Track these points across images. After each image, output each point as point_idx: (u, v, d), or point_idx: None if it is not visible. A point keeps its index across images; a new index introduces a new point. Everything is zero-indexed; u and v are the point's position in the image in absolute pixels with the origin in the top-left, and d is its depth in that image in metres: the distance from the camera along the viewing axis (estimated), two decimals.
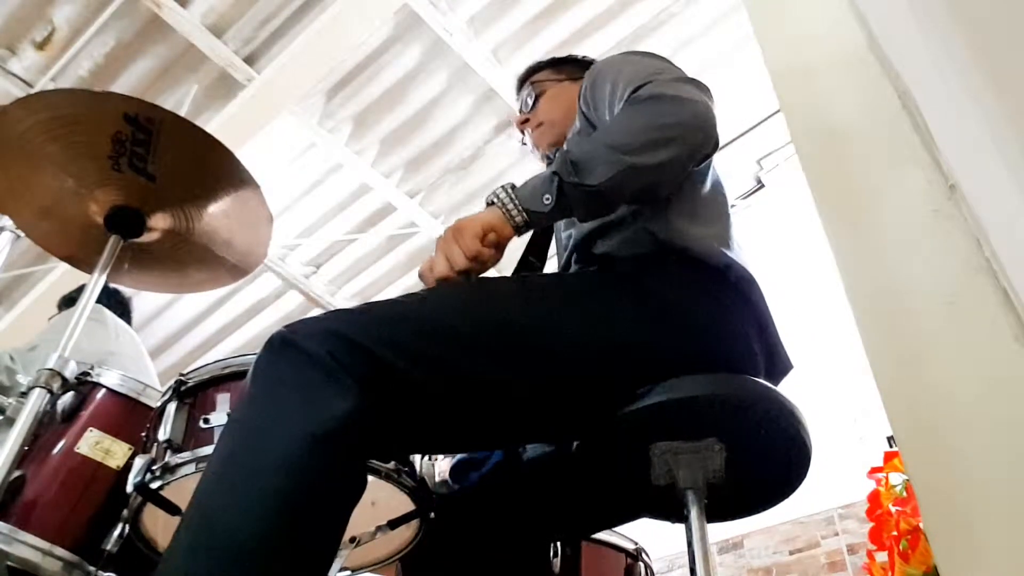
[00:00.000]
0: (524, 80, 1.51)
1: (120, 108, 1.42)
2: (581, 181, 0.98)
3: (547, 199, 0.99)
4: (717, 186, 1.22)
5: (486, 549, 1.23)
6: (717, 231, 1.14)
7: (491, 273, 1.05)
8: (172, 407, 1.21)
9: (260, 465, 0.78)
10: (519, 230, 1.01)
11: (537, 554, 1.37)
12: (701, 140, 1.08)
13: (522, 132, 1.48)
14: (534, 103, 1.46)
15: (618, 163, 0.99)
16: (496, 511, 1.23)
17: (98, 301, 2.30)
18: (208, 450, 1.14)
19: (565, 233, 1.27)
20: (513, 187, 1.01)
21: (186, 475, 1.14)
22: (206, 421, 1.17)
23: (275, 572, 0.75)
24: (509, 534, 1.24)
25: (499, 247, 1.01)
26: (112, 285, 2.35)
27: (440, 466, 1.29)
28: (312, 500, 0.78)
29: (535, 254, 1.36)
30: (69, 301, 2.58)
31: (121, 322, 2.38)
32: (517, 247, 1.31)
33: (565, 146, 1.06)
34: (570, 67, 1.47)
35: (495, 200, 1.01)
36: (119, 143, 1.44)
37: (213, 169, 1.54)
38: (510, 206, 1.00)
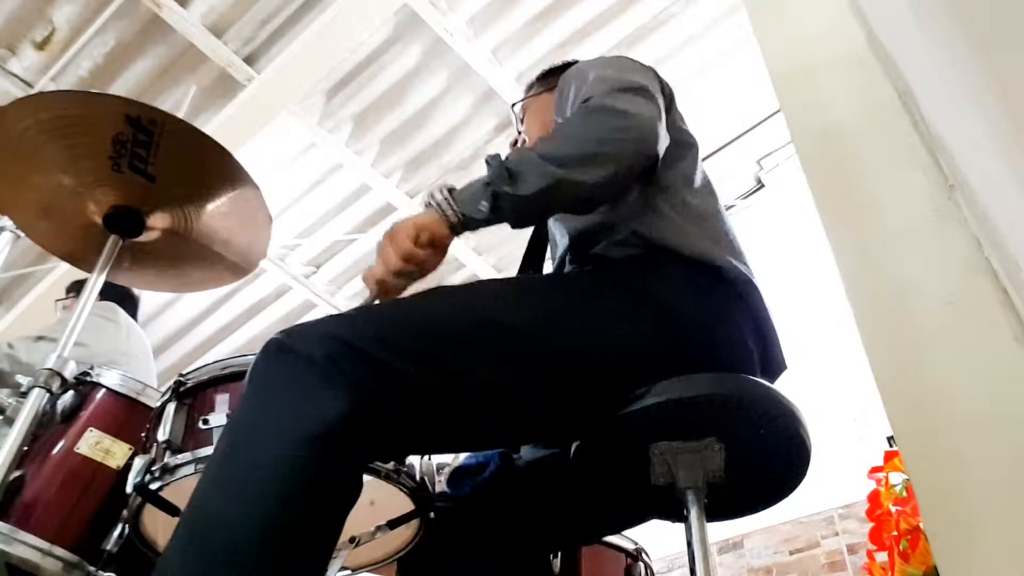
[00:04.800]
0: (515, 104, 1.54)
1: (122, 110, 1.42)
2: (513, 191, 0.98)
3: (483, 206, 0.99)
4: (707, 187, 1.22)
5: (486, 556, 1.22)
6: (708, 232, 1.14)
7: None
8: (171, 408, 1.21)
9: (256, 466, 0.78)
10: (455, 230, 1.00)
11: (537, 557, 1.36)
12: (637, 155, 1.06)
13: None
14: (521, 122, 1.49)
15: (549, 175, 0.99)
16: (496, 520, 1.22)
17: (111, 299, 2.32)
18: (208, 451, 1.14)
19: (559, 235, 1.27)
20: (451, 189, 1.01)
21: (185, 476, 1.14)
22: (205, 422, 1.17)
23: (272, 572, 0.75)
24: (509, 543, 1.24)
25: (436, 247, 1.00)
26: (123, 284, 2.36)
27: (436, 461, 1.28)
28: (309, 501, 0.78)
29: (532, 261, 1.36)
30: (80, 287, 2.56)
31: (133, 322, 2.38)
32: (517, 247, 1.31)
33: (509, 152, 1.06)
34: (551, 77, 1.48)
35: (431, 202, 1.01)
36: (120, 144, 1.45)
37: (213, 170, 1.54)
38: (445, 208, 1.00)
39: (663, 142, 1.10)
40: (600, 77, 1.15)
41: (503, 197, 0.99)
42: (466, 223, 1.00)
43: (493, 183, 0.99)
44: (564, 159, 1.00)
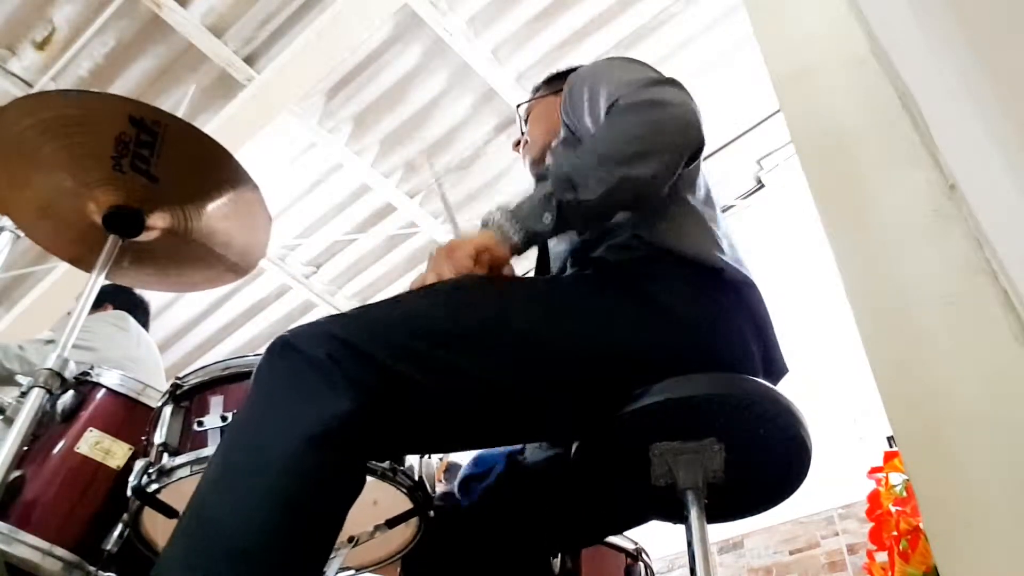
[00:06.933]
0: (520, 105, 1.55)
1: (125, 110, 1.42)
2: (578, 197, 0.99)
3: (547, 218, 0.99)
4: (706, 190, 1.22)
5: (488, 557, 1.23)
6: (709, 234, 1.14)
7: None
8: (168, 410, 1.21)
9: (257, 465, 0.78)
10: (517, 250, 1.01)
11: (538, 558, 1.37)
12: (688, 141, 1.08)
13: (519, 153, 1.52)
14: (525, 123, 1.50)
15: (611, 176, 1.00)
16: (499, 523, 1.23)
17: (122, 308, 2.35)
18: (203, 452, 1.14)
19: (560, 238, 1.27)
20: (508, 209, 1.02)
21: (182, 478, 1.14)
22: (200, 424, 1.17)
23: (271, 572, 0.75)
24: (512, 545, 1.24)
25: (494, 268, 1.01)
26: (137, 293, 2.40)
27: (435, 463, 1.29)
28: (309, 500, 0.79)
29: (540, 268, 1.36)
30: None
31: (143, 331, 2.41)
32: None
33: (554, 161, 1.07)
34: (557, 81, 1.49)
35: (490, 223, 1.01)
36: (122, 144, 1.45)
37: (215, 172, 1.54)
38: (507, 227, 1.00)
39: (705, 125, 1.11)
40: (624, 78, 1.16)
41: (568, 206, 0.99)
42: (530, 239, 1.01)
43: (555, 193, 0.99)
44: (621, 157, 1.01)
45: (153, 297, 2.71)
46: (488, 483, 1.24)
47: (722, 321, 1.06)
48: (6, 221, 1.68)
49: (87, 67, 3.54)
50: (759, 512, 1.13)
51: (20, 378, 1.44)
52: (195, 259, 1.67)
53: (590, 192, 0.99)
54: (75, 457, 1.35)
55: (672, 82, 1.14)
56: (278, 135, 3.89)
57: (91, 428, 1.37)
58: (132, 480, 1.16)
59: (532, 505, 1.22)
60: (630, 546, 1.60)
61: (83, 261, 1.64)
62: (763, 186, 4.42)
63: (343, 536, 1.20)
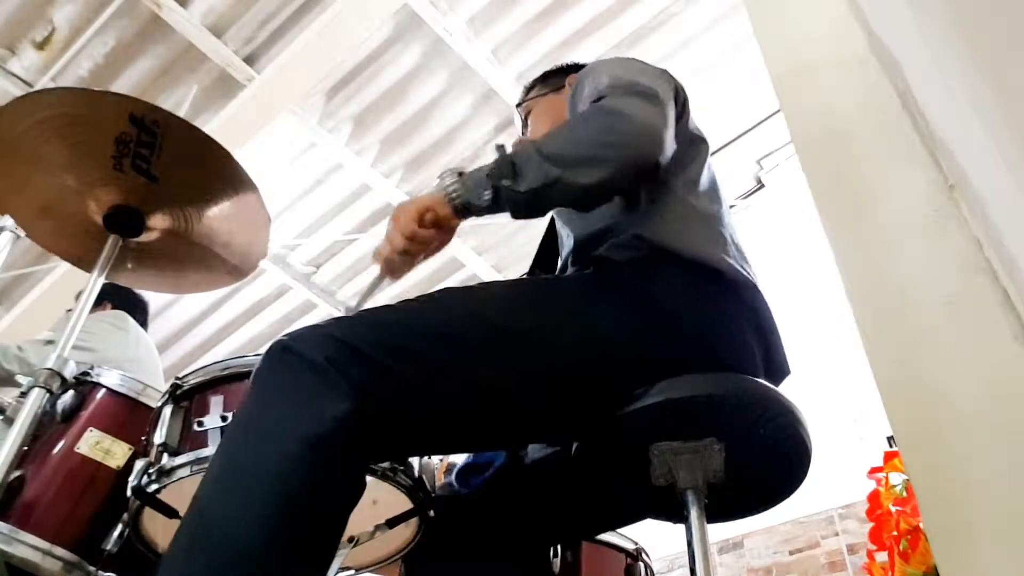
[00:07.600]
0: (518, 104, 1.54)
1: (126, 109, 1.43)
2: (512, 185, 1.00)
3: (486, 195, 1.01)
4: (712, 188, 1.21)
5: (488, 551, 1.23)
6: (710, 234, 1.13)
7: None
8: (168, 410, 1.21)
9: (258, 467, 0.79)
10: (459, 213, 1.03)
11: (538, 555, 1.37)
12: (635, 161, 1.07)
13: None
14: (525, 123, 1.50)
15: (548, 174, 1.00)
16: (499, 514, 1.23)
17: (122, 308, 2.35)
18: (203, 452, 1.14)
19: (566, 237, 1.27)
20: (461, 173, 1.03)
21: (181, 478, 1.14)
22: (200, 424, 1.17)
23: (274, 573, 0.75)
24: (512, 537, 1.24)
25: (441, 228, 1.03)
26: (137, 292, 2.40)
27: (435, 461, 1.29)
28: (310, 501, 0.79)
29: (543, 261, 1.36)
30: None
31: (142, 331, 2.41)
32: (517, 247, 1.31)
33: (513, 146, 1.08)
34: (555, 78, 1.49)
35: (439, 180, 1.03)
36: (123, 144, 1.45)
37: (215, 172, 1.54)
38: (450, 190, 1.02)
39: (667, 149, 1.09)
40: (613, 79, 1.15)
41: (503, 191, 1.00)
42: (467, 209, 1.02)
43: (493, 176, 1.01)
44: (563, 159, 1.01)
45: (153, 297, 2.72)
46: (487, 475, 1.24)
47: (722, 321, 1.06)
48: (7, 221, 1.68)
49: (87, 67, 3.54)
50: (759, 512, 1.13)
51: (20, 378, 1.44)
52: (195, 260, 1.67)
53: (525, 184, 1.00)
54: (75, 457, 1.35)
55: (652, 97, 1.11)
56: (278, 135, 3.89)
57: (91, 428, 1.37)
58: (132, 480, 1.16)
59: (531, 499, 1.22)
60: (630, 546, 1.60)
61: (83, 261, 1.64)
62: (763, 186, 4.42)
63: (344, 536, 1.20)
